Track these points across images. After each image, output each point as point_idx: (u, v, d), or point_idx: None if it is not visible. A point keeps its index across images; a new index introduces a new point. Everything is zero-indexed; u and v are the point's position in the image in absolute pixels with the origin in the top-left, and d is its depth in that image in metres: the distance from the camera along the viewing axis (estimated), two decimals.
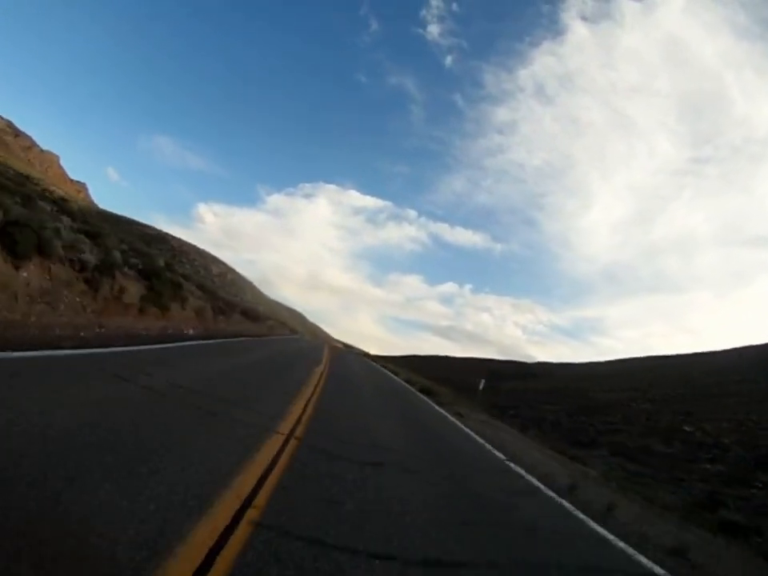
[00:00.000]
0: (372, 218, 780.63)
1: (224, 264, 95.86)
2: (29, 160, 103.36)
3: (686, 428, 20.02)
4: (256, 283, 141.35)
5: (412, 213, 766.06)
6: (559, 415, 25.01)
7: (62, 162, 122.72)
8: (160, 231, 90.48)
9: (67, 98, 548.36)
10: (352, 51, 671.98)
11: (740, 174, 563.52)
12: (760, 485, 11.93)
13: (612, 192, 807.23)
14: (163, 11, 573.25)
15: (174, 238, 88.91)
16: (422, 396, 16.13)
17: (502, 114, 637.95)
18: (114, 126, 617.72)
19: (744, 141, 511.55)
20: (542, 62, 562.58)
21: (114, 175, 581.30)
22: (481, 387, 21.62)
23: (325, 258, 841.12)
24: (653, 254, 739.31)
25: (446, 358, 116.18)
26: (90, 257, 9.41)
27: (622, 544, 4.40)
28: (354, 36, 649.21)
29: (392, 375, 24.77)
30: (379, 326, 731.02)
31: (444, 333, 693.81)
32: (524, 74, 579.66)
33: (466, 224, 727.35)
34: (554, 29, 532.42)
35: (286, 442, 4.36)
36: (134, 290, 11.06)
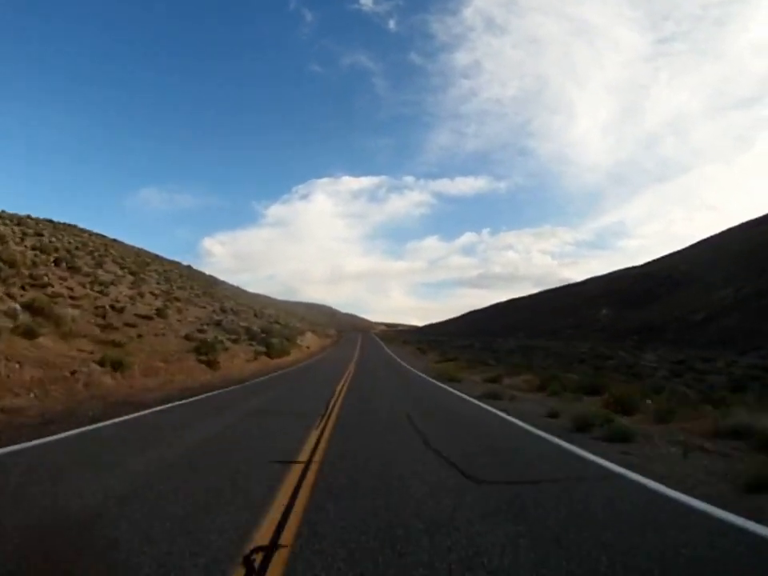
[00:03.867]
0: (373, 196, 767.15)
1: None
2: None
3: None
4: (278, 296, 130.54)
5: (409, 179, 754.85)
6: None
7: None
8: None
9: (46, 188, 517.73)
10: (297, 46, 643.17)
11: (709, 41, 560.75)
12: None
13: (593, 97, 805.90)
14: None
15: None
16: None
17: (462, 58, 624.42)
18: (98, 196, 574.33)
19: (702, 8, 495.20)
20: None
21: None
22: None
23: (340, 249, 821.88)
24: (650, 144, 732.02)
25: (514, 301, 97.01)
26: None
27: None
28: (292, 32, 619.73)
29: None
30: (413, 296, 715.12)
31: (476, 283, 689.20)
32: (469, 13, 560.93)
33: (465, 172, 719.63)
34: None
35: None
36: None
